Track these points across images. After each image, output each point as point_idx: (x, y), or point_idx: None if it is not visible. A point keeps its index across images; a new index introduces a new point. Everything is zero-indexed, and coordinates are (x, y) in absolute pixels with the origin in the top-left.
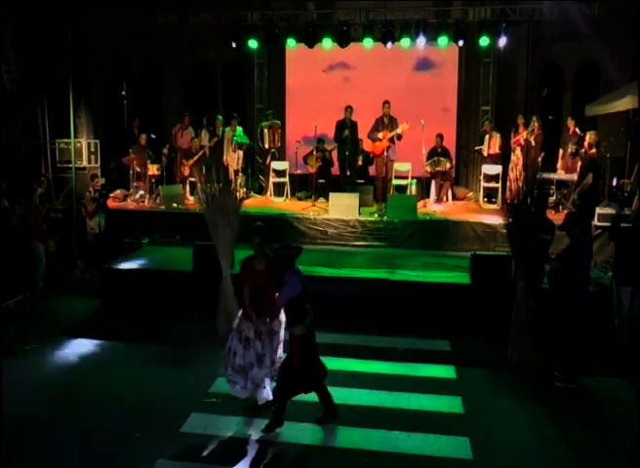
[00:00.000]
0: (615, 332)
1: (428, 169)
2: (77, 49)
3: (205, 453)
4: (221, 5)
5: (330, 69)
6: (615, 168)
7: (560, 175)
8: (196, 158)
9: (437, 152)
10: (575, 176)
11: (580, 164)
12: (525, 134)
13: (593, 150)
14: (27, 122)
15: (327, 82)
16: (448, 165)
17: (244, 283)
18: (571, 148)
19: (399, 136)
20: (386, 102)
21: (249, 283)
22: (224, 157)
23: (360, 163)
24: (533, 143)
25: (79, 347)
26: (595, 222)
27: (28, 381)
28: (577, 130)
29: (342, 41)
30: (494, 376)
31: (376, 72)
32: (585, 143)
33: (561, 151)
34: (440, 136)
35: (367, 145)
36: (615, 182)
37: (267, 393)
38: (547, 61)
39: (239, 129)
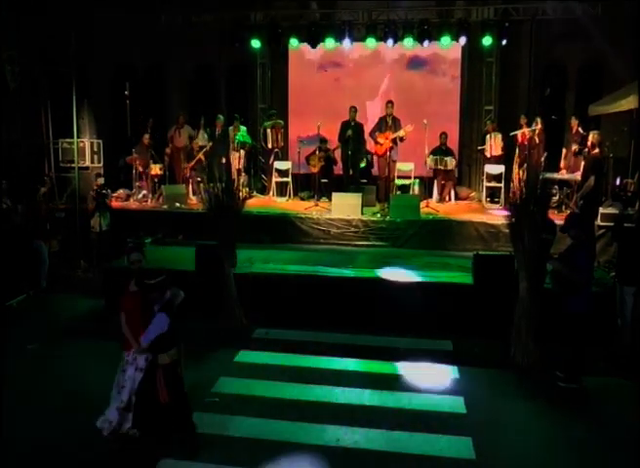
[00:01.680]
0: (618, 333)
1: (431, 163)
2: (80, 49)
3: (207, 453)
4: (224, 5)
5: (332, 69)
6: (618, 167)
7: (563, 174)
8: (195, 161)
9: (441, 150)
10: (577, 176)
11: (582, 164)
12: (527, 131)
13: (596, 150)
14: (30, 122)
15: (329, 82)
16: (453, 162)
17: (120, 310)
18: (574, 148)
19: (401, 139)
20: (390, 102)
21: (124, 308)
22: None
23: (364, 164)
24: (537, 140)
25: (81, 346)
26: (598, 222)
27: (30, 380)
28: (580, 129)
29: (345, 41)
30: (496, 376)
31: (378, 72)
32: (588, 143)
33: (564, 151)
34: (444, 135)
35: (370, 145)
36: (618, 182)
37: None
38: (550, 61)
39: (242, 128)
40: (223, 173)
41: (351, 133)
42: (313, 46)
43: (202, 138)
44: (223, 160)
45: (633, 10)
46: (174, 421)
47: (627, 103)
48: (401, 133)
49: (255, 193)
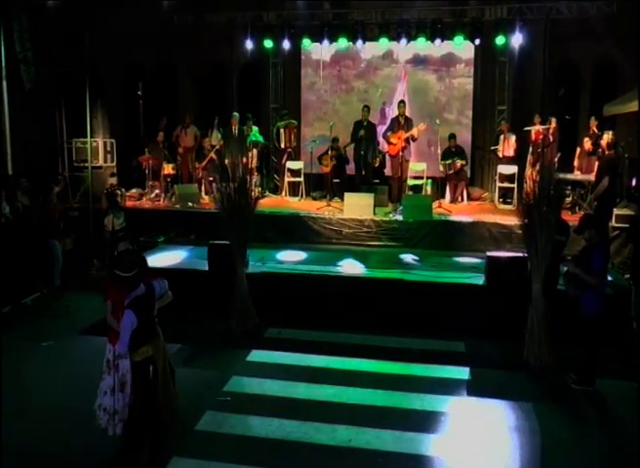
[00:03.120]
0: (633, 335)
1: (442, 168)
2: (94, 49)
3: (219, 451)
4: (237, 5)
5: (344, 69)
6: (633, 168)
7: (577, 175)
8: (206, 161)
9: (452, 151)
10: (591, 177)
11: (597, 164)
12: (541, 128)
13: (611, 151)
14: (45, 122)
15: (342, 82)
16: (463, 162)
17: (107, 298)
18: (587, 146)
19: (413, 138)
20: (402, 102)
21: (111, 297)
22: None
23: (377, 164)
24: (550, 139)
25: (95, 345)
26: (613, 223)
27: (45, 378)
28: (595, 130)
29: (358, 40)
30: (509, 378)
31: (391, 72)
32: (603, 143)
33: (578, 150)
34: (452, 136)
35: (383, 146)
36: (633, 183)
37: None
38: (564, 60)
39: (255, 128)
40: (239, 171)
41: (364, 132)
42: (325, 45)
43: (215, 138)
44: (241, 159)
45: None
46: (142, 423)
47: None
48: (414, 131)
49: (267, 193)
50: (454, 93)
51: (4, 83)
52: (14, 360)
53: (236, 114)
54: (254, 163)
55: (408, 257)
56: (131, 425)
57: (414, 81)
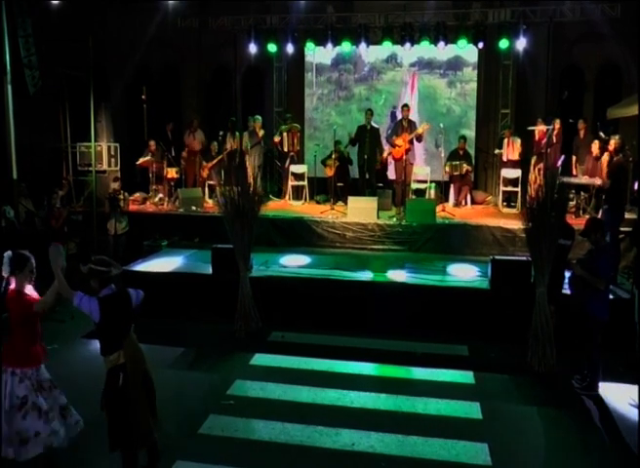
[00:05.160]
0: (637, 339)
1: (447, 169)
2: (97, 53)
3: (223, 455)
4: (241, 9)
5: (347, 72)
6: (635, 171)
7: (581, 179)
8: (215, 161)
9: (459, 155)
10: (596, 181)
11: (605, 169)
12: (545, 128)
13: (619, 155)
14: (49, 126)
15: (345, 85)
16: (468, 167)
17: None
18: (595, 150)
19: (419, 138)
20: (405, 106)
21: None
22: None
23: (378, 167)
24: (554, 140)
25: (98, 348)
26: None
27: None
28: (601, 133)
29: (361, 44)
30: (513, 382)
31: (394, 75)
32: (610, 148)
33: (574, 158)
34: (463, 138)
35: (387, 150)
36: (636, 186)
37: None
38: (568, 63)
39: (261, 132)
40: (258, 175)
41: (367, 136)
42: (328, 48)
43: (230, 141)
44: (256, 161)
45: None
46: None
47: None
48: (419, 130)
49: (271, 196)
50: (457, 96)
51: (9, 87)
52: None
53: (258, 117)
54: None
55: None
56: (114, 443)
57: (417, 84)
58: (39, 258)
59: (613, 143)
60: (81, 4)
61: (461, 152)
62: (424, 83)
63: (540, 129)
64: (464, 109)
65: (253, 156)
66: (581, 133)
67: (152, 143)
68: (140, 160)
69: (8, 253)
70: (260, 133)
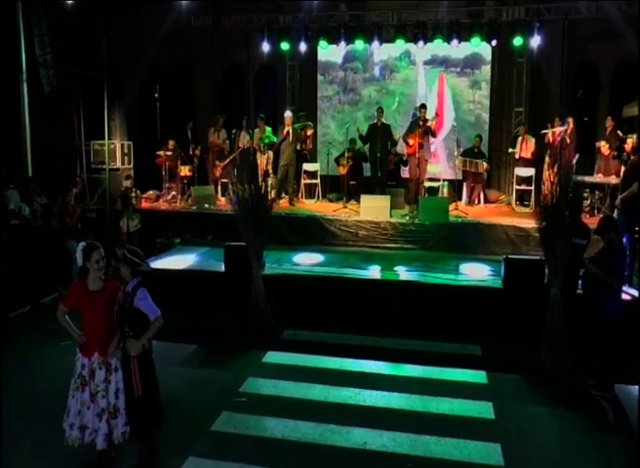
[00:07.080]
0: None
1: (459, 164)
2: (111, 53)
3: (234, 452)
4: (254, 7)
5: (362, 71)
6: None
7: (596, 178)
8: (229, 160)
9: (473, 153)
10: (611, 180)
11: (623, 169)
12: (559, 130)
13: (636, 155)
14: (64, 124)
15: (358, 83)
16: (484, 165)
17: (65, 304)
18: (604, 150)
19: (434, 134)
20: (423, 106)
21: (70, 301)
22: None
23: (392, 167)
24: (568, 141)
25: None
26: None
27: (64, 377)
28: (619, 132)
29: (374, 42)
30: (526, 382)
31: (408, 74)
32: (627, 148)
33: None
34: (479, 137)
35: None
36: None
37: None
38: (583, 61)
39: (268, 129)
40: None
41: (378, 134)
42: (341, 46)
43: (244, 140)
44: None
45: None
46: (150, 419)
47: None
48: (430, 123)
49: (283, 194)
50: (470, 94)
51: (24, 86)
52: (38, 359)
53: (289, 112)
54: (269, 165)
55: None
56: (137, 426)
57: (431, 82)
58: (54, 255)
59: (630, 143)
60: (95, 4)
61: (477, 150)
62: (438, 81)
63: (553, 131)
64: (477, 108)
65: (285, 154)
66: (608, 130)
67: (171, 143)
68: (162, 153)
69: (82, 244)
70: (286, 129)
